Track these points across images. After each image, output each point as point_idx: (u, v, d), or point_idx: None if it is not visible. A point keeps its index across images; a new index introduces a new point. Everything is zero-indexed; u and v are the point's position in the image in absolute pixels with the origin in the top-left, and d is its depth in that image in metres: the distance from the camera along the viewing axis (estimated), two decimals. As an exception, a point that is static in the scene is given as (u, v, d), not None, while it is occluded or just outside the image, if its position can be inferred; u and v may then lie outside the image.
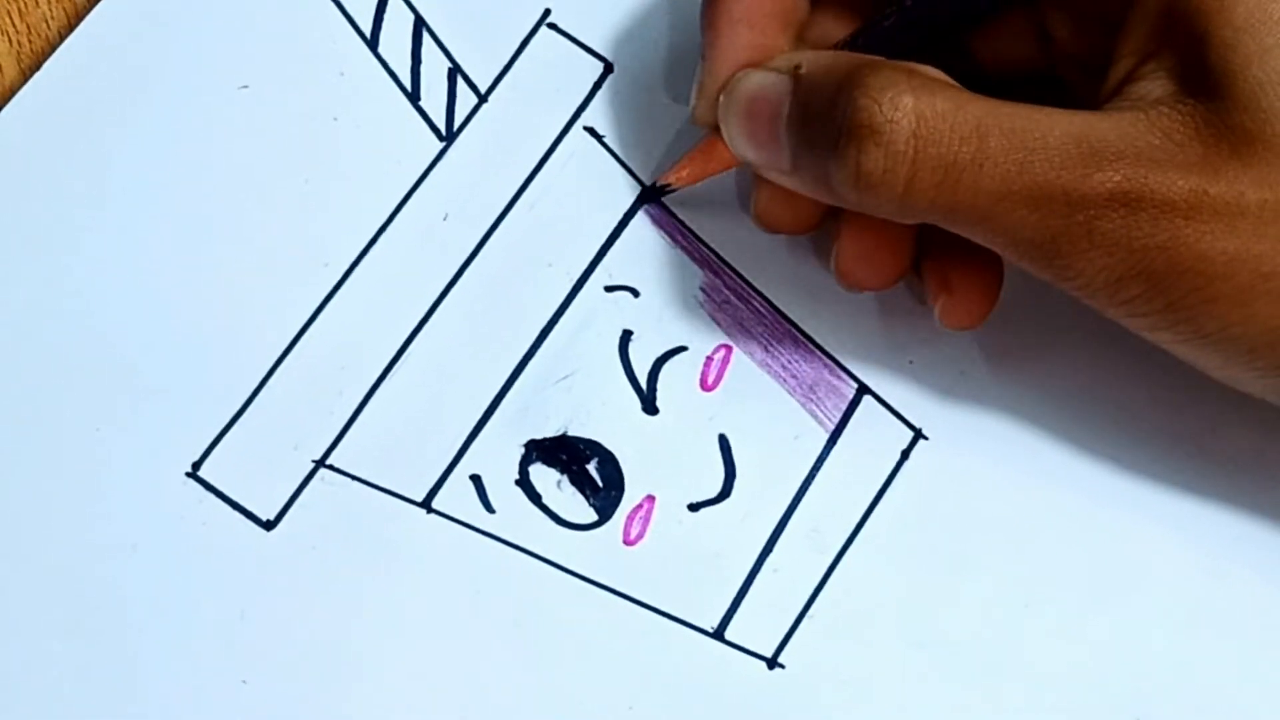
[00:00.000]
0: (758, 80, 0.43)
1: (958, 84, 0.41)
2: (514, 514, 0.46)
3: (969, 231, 0.41)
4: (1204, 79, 0.39)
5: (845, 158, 0.40)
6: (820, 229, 0.46)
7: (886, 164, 0.40)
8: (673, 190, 0.48)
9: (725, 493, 0.47)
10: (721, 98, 0.44)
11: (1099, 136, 0.39)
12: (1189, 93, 0.39)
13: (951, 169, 0.39)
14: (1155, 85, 0.40)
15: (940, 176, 0.39)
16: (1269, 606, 0.46)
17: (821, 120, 0.41)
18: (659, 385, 0.47)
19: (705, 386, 0.47)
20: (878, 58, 0.42)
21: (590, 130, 0.50)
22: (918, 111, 0.39)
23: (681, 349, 0.48)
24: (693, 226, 0.49)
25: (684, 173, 0.47)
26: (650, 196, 0.48)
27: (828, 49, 0.45)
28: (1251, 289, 0.39)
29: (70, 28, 0.50)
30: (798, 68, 0.42)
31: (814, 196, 0.43)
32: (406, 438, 0.47)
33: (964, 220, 0.40)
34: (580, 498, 0.46)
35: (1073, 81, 0.44)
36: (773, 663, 0.45)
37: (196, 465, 0.46)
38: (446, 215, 0.49)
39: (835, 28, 0.46)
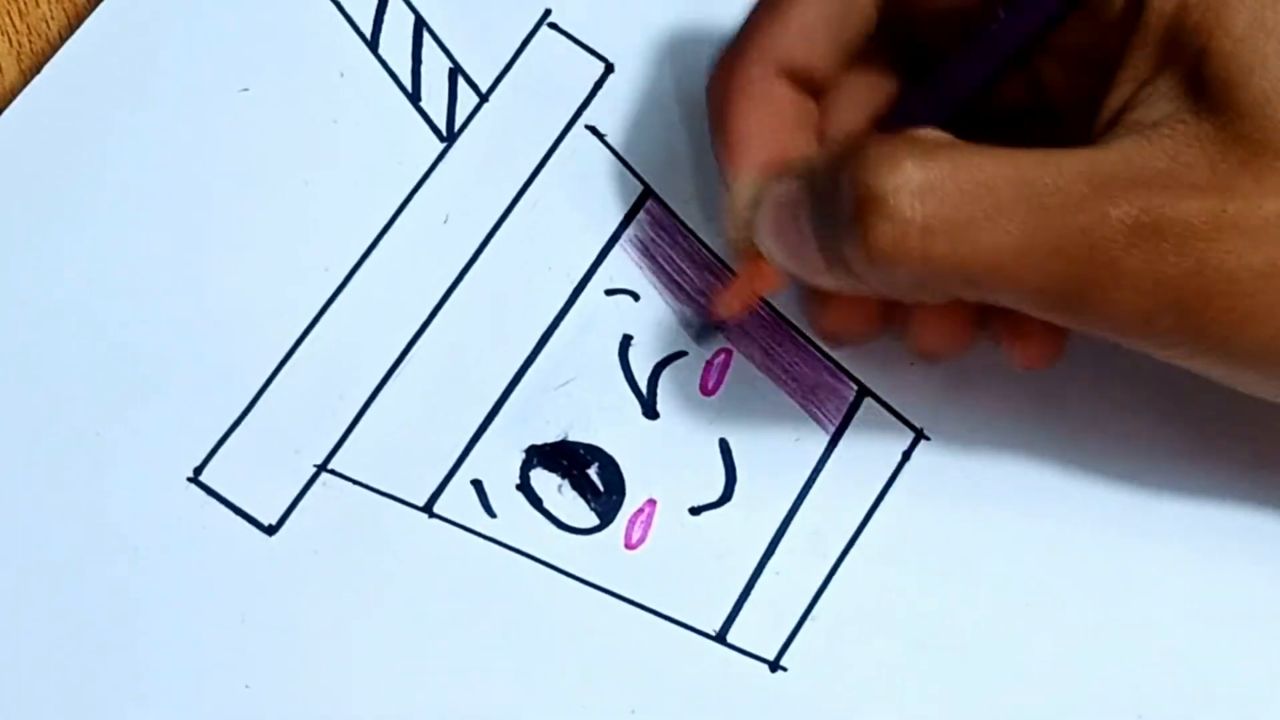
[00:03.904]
0: (778, 189, 0.42)
1: (957, 139, 0.40)
2: (515, 518, 0.46)
3: (993, 295, 0.39)
4: (1207, 95, 0.38)
5: (855, 235, 0.39)
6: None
7: (895, 232, 0.38)
8: (727, 327, 0.47)
9: (726, 496, 0.47)
10: (751, 215, 0.43)
11: (1107, 170, 0.38)
12: (1192, 110, 0.39)
13: (966, 228, 0.38)
14: (1154, 108, 0.39)
15: (955, 237, 0.38)
16: (1269, 606, 0.46)
17: (833, 208, 0.40)
18: (659, 389, 0.47)
19: (706, 390, 0.47)
20: (873, 133, 0.41)
21: (592, 129, 0.49)
22: (920, 176, 0.38)
23: (682, 353, 0.48)
24: (693, 228, 0.49)
25: (734, 304, 0.46)
26: (705, 335, 0.48)
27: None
28: None
29: (70, 28, 0.50)
30: (810, 165, 0.41)
31: (856, 291, 0.41)
32: (408, 442, 0.47)
33: (989, 283, 0.39)
34: (581, 502, 0.46)
35: (1065, 115, 0.44)
36: (775, 665, 0.45)
37: (198, 470, 0.47)
38: (447, 217, 0.49)
39: (846, 120, 0.45)
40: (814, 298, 0.45)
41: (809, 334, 0.48)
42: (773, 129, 0.44)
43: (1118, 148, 0.39)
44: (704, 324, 0.48)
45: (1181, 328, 0.39)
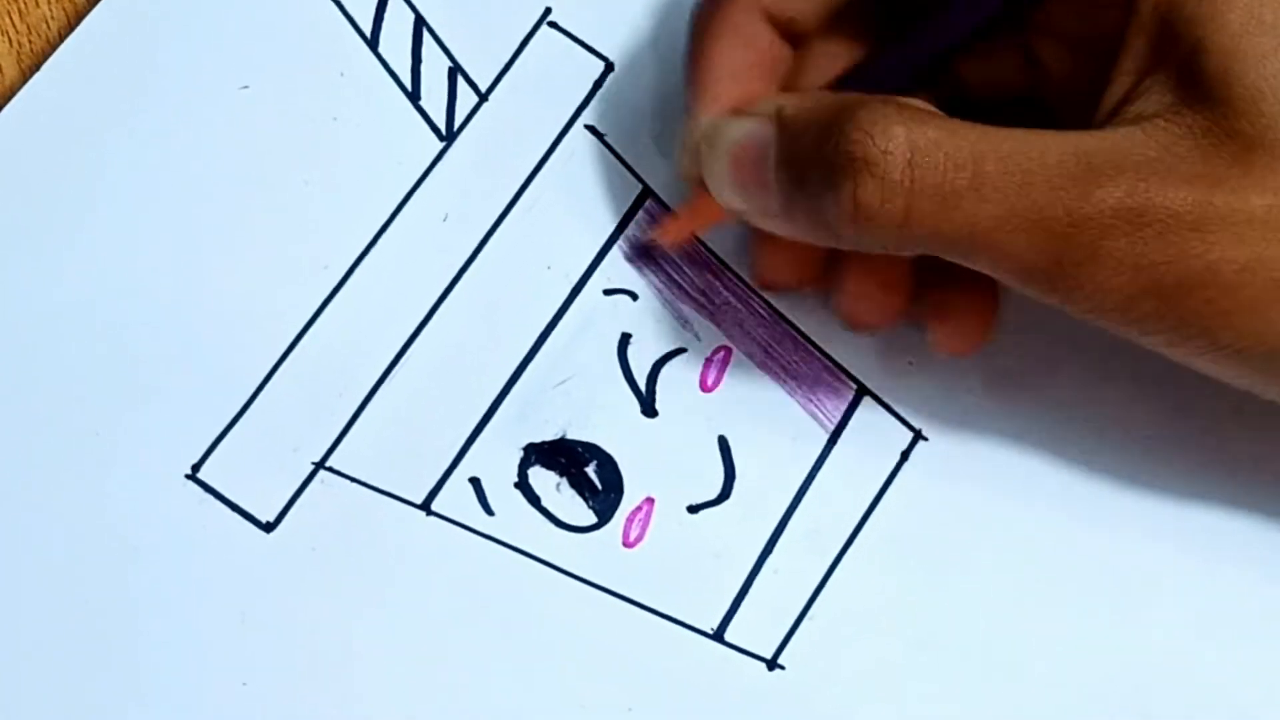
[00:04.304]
0: (741, 126, 0.43)
1: (945, 115, 0.41)
2: (513, 516, 0.46)
3: (970, 260, 0.40)
4: (1201, 88, 0.39)
5: (841, 193, 0.40)
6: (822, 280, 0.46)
7: (883, 195, 0.39)
8: (661, 248, 0.47)
9: (725, 494, 0.47)
10: (704, 148, 0.44)
11: (1097, 153, 0.39)
12: (1186, 103, 0.39)
13: (949, 197, 0.39)
14: (1151, 101, 0.39)
15: (938, 205, 0.39)
16: (1269, 606, 0.46)
17: (812, 159, 0.40)
18: (658, 387, 0.47)
19: (704, 388, 0.47)
20: (863, 94, 0.41)
21: (591, 129, 0.49)
22: (911, 141, 0.39)
23: (680, 351, 0.48)
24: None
25: (672, 229, 0.47)
26: (640, 255, 0.48)
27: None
28: (1265, 297, 0.38)
29: (70, 28, 0.50)
30: (780, 110, 0.42)
31: (808, 239, 0.42)
32: (406, 440, 0.47)
33: (965, 249, 0.40)
34: (579, 500, 0.46)
35: (1061, 105, 0.44)
36: (773, 664, 0.45)
37: (196, 467, 0.47)
38: (446, 216, 0.49)
39: (818, 74, 0.45)
40: (755, 241, 0.46)
41: (809, 333, 0.47)
42: (746, 68, 0.45)
43: (1111, 135, 0.39)
44: (640, 245, 0.48)
45: (1161, 315, 0.39)
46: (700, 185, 0.44)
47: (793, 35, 0.45)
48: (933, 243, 0.40)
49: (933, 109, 0.41)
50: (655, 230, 0.47)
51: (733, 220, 0.45)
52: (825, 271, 0.46)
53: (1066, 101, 0.43)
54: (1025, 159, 0.39)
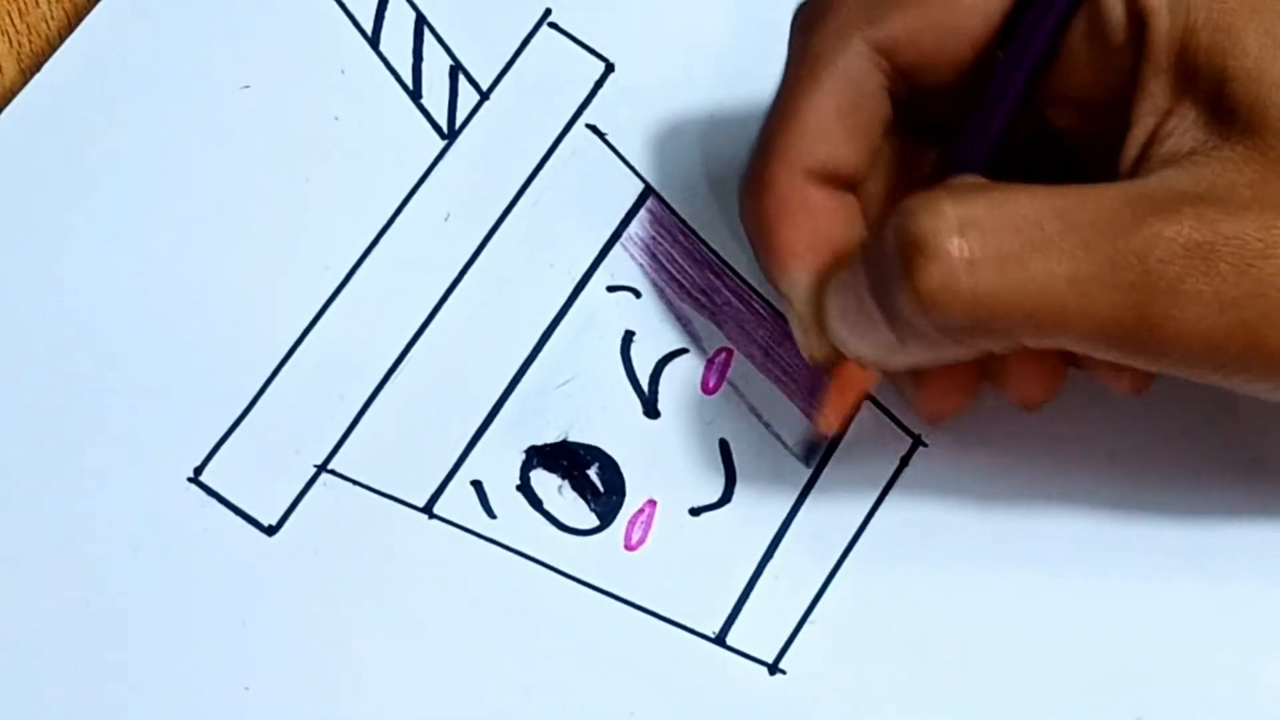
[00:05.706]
0: (838, 280, 0.41)
1: (995, 182, 0.39)
2: (515, 519, 0.46)
3: (1057, 334, 0.38)
4: (1233, 117, 0.38)
5: (904, 285, 0.37)
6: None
7: (941, 272, 0.37)
8: (830, 439, 0.46)
9: (726, 498, 0.47)
10: (818, 318, 0.42)
11: (1151, 196, 0.37)
12: (1222, 137, 0.38)
13: (1014, 259, 0.37)
14: (1184, 139, 0.38)
15: (1004, 270, 0.37)
16: (1269, 607, 0.46)
17: (885, 271, 0.38)
18: (660, 389, 0.47)
19: (706, 390, 0.47)
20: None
21: (592, 128, 0.49)
22: (960, 214, 0.37)
23: (682, 352, 0.48)
24: (694, 226, 0.49)
25: (832, 416, 0.45)
26: (810, 454, 0.46)
27: None
28: None
29: (70, 28, 0.50)
30: (864, 246, 0.40)
31: (930, 359, 0.40)
32: (408, 443, 0.47)
33: (1048, 319, 0.37)
34: (581, 503, 0.46)
35: (1075, 158, 0.43)
36: (774, 668, 0.45)
37: (198, 470, 0.47)
38: (448, 215, 0.49)
39: (877, 210, 0.44)
40: (909, 384, 0.44)
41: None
42: (817, 235, 0.43)
43: (1156, 178, 0.38)
44: (811, 442, 0.46)
45: (1251, 353, 0.38)
46: (835, 359, 0.43)
47: (844, 183, 0.43)
48: (1012, 316, 0.38)
49: (978, 178, 0.39)
50: (819, 424, 0.45)
51: (882, 379, 0.44)
52: (984, 374, 0.44)
53: (1088, 156, 0.42)
54: (1083, 211, 0.37)
